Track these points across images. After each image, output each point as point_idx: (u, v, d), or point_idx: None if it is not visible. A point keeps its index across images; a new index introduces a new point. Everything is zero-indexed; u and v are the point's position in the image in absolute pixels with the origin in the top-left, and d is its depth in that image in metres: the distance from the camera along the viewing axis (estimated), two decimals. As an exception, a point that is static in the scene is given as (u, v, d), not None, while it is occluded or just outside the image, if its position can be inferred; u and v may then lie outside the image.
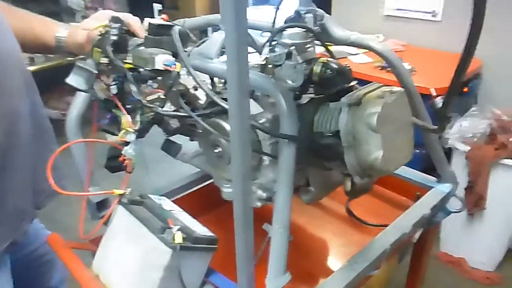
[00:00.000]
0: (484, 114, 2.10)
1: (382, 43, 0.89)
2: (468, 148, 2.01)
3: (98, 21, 0.84)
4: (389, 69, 2.24)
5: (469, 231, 2.15)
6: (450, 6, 2.58)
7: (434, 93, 0.72)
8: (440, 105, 0.65)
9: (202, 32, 1.36)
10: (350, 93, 0.70)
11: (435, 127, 0.71)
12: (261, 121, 0.77)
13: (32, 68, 3.30)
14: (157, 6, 0.85)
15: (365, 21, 3.00)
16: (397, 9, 2.80)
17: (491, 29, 2.41)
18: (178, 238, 0.71)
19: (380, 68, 2.31)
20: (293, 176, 0.70)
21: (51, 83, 2.51)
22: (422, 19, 2.72)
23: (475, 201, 2.04)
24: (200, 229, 0.79)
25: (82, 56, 0.81)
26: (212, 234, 0.79)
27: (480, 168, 1.97)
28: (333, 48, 0.86)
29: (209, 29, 1.16)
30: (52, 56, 3.14)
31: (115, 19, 0.73)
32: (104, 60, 0.72)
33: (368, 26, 2.98)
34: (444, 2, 2.59)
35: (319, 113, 0.73)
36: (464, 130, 2.06)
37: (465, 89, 2.27)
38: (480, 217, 2.09)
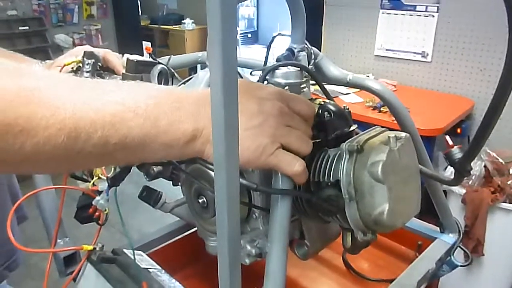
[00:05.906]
0: (478, 155, 2.05)
1: (379, 82, 0.84)
2: (464, 191, 1.95)
3: (74, 57, 0.76)
4: (382, 109, 2.22)
5: (468, 278, 2.05)
6: (440, 47, 2.60)
7: (450, 142, 0.65)
8: (458, 156, 0.57)
9: (191, 70, 1.31)
10: (350, 139, 0.62)
11: (450, 179, 0.63)
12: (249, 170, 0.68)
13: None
14: (146, 44, 0.79)
15: (355, 61, 3.00)
16: (387, 50, 2.81)
17: (483, 69, 2.45)
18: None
19: (372, 108, 2.27)
20: (288, 234, 0.61)
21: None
22: (412, 60, 2.72)
23: (472, 246, 1.95)
24: (180, 292, 0.69)
25: None
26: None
27: (478, 212, 1.90)
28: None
29: (198, 66, 1.11)
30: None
31: (88, 55, 0.66)
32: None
33: (358, 66, 2.98)
34: (434, 43, 2.60)
35: (315, 161, 0.65)
36: (458, 172, 2.01)
37: (458, 130, 2.24)
38: (479, 263, 2.00)
